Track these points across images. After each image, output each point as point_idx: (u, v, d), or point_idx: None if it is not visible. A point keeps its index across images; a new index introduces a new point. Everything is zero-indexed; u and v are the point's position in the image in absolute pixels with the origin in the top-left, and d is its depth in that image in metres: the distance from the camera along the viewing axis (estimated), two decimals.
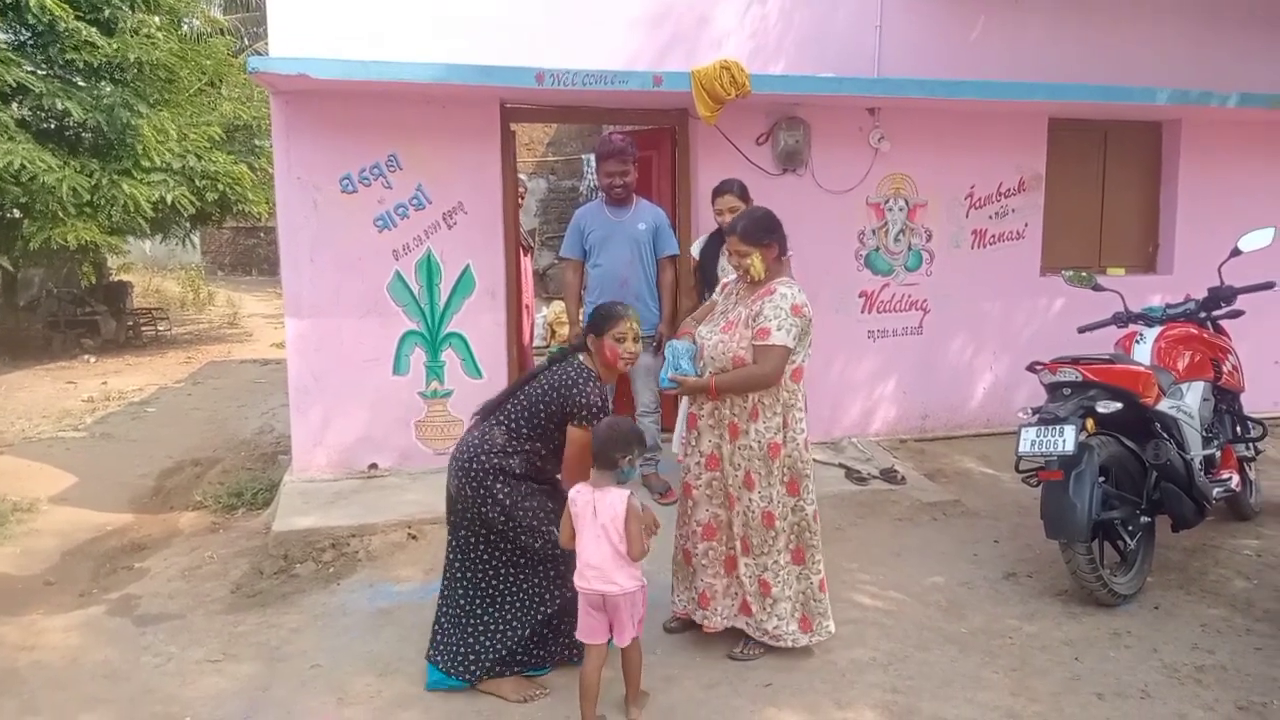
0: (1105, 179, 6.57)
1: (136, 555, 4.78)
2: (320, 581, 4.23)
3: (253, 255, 23.49)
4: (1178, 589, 4.02)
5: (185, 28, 12.80)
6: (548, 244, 12.17)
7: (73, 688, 3.35)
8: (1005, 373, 6.27)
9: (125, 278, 15.23)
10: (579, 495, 2.99)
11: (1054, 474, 3.66)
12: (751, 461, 3.30)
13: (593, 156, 9.53)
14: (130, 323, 13.18)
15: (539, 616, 3.23)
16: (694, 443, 3.43)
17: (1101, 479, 3.81)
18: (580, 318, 5.02)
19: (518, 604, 3.25)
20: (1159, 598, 3.92)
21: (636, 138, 6.30)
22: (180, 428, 7.60)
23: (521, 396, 3.24)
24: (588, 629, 2.99)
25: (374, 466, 5.38)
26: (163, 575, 4.43)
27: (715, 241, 4.71)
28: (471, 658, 3.23)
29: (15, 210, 9.75)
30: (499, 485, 3.15)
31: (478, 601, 3.26)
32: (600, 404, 3.16)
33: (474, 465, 3.17)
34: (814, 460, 5.55)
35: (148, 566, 4.58)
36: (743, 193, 4.64)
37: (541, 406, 3.18)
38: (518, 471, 3.18)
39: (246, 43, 19.45)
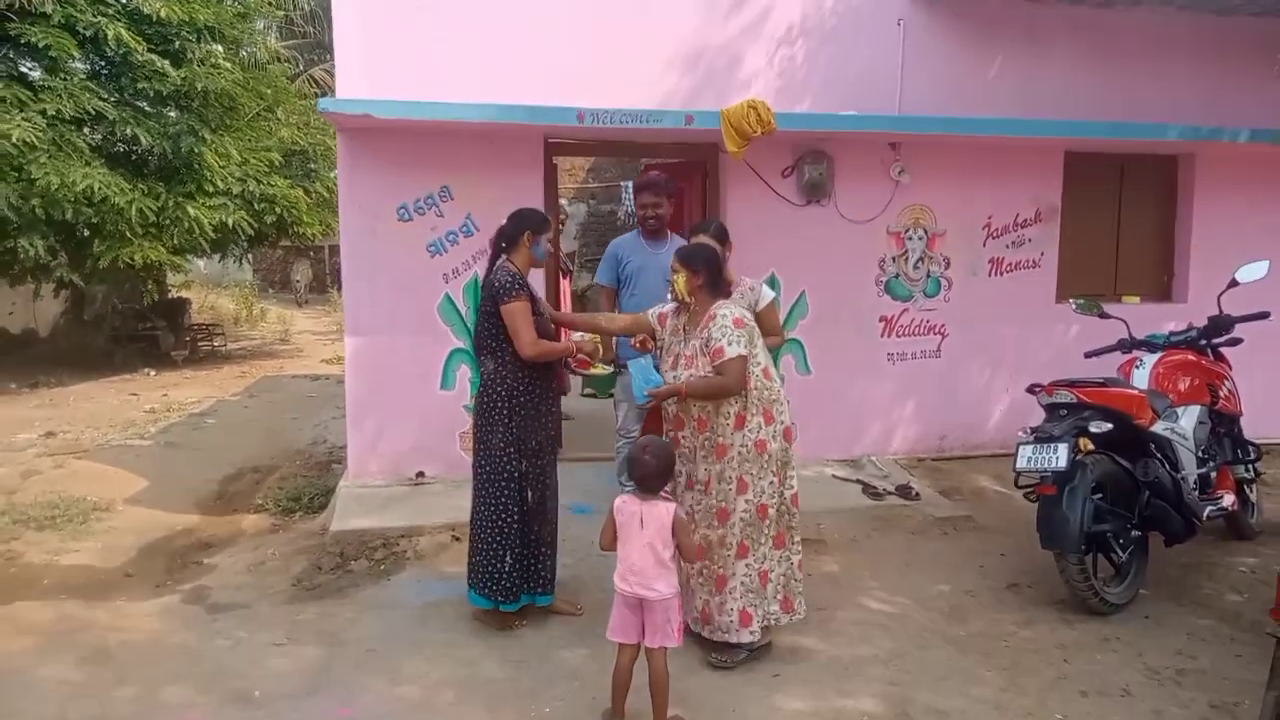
0: (1121, 210, 6.82)
1: (205, 552, 5.23)
2: (373, 577, 4.63)
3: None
4: (1170, 600, 4.27)
5: (244, 53, 13.44)
6: (586, 265, 12.60)
7: (157, 664, 3.76)
8: (1021, 395, 6.41)
9: (184, 294, 15.87)
10: (625, 505, 3.23)
11: (1048, 488, 3.95)
12: (743, 466, 3.57)
13: (630, 184, 9.88)
14: (189, 338, 13.77)
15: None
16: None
17: (1098, 495, 4.08)
18: (613, 344, 5.28)
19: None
20: (1151, 608, 4.18)
21: (669, 170, 6.70)
22: (239, 437, 8.07)
23: (480, 324, 3.92)
24: (621, 627, 3.23)
25: (421, 474, 5.79)
26: (230, 569, 4.87)
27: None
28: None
29: (85, 230, 10.34)
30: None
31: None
32: (509, 281, 3.75)
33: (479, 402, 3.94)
34: (833, 477, 5.91)
35: (216, 562, 5.02)
36: (718, 233, 4.48)
37: (489, 311, 3.81)
38: (515, 386, 3.82)
39: (302, 68, 20.28)
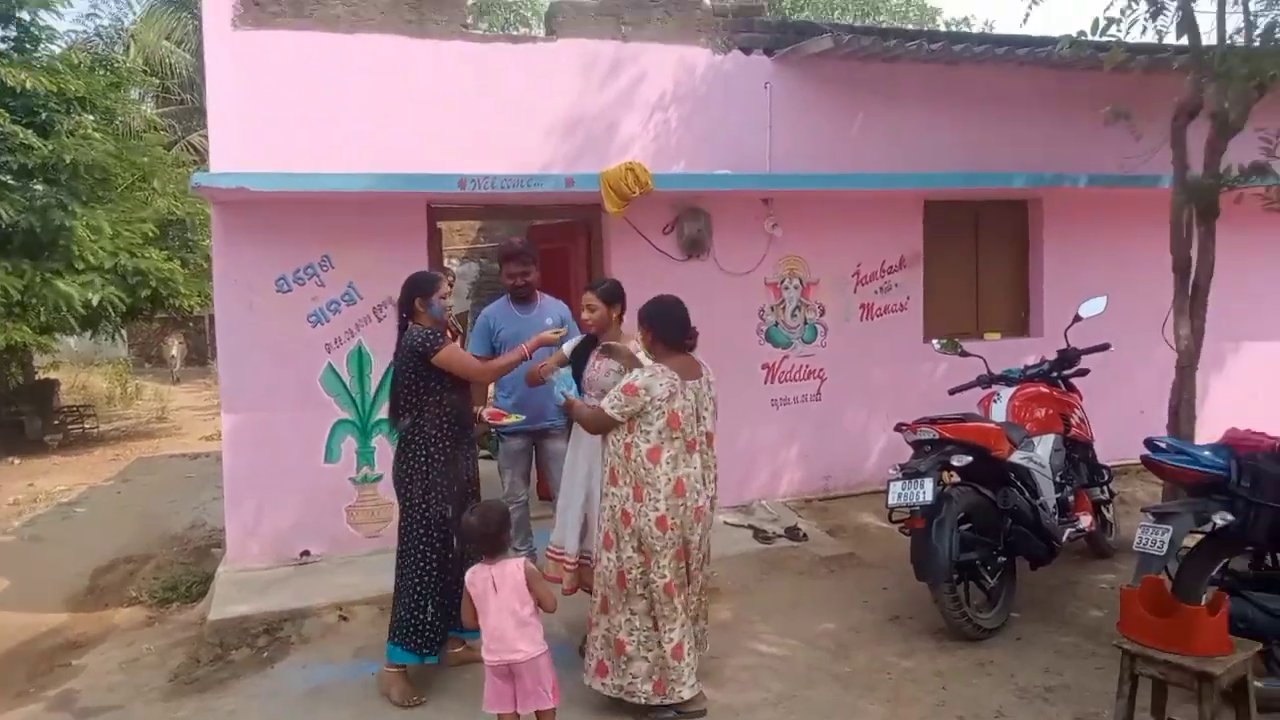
0: (979, 252, 7.29)
1: (74, 652, 4.94)
2: (255, 665, 4.44)
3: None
4: (1038, 621, 4.52)
5: (118, 122, 13.03)
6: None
7: None
8: (898, 433, 6.81)
9: (52, 375, 15.04)
10: (475, 576, 3.26)
11: (918, 522, 4.15)
12: (612, 521, 3.65)
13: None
14: (57, 421, 13.00)
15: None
16: None
17: (965, 525, 4.31)
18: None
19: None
20: (1021, 629, 4.41)
21: (553, 231, 6.82)
22: (112, 526, 7.66)
23: (397, 388, 4.03)
24: (495, 698, 3.24)
25: (306, 553, 5.62)
26: (101, 669, 4.60)
27: (588, 344, 4.30)
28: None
29: None
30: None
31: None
32: (427, 335, 3.94)
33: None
34: (725, 523, 6.01)
35: (85, 663, 4.73)
36: (606, 293, 4.19)
37: (409, 372, 3.95)
38: (433, 434, 3.95)
39: (180, 134, 19.76)
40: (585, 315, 4.11)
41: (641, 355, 3.96)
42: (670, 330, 3.79)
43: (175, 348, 19.54)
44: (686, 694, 3.60)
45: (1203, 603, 3.24)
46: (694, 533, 3.65)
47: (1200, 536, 3.60)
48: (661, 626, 3.60)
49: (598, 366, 4.11)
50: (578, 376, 4.17)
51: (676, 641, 3.60)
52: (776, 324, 6.60)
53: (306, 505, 5.60)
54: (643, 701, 3.60)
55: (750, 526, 5.91)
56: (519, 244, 5.19)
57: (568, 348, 4.28)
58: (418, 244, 5.79)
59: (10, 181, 10.57)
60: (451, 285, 7.43)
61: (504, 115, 5.93)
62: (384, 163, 5.49)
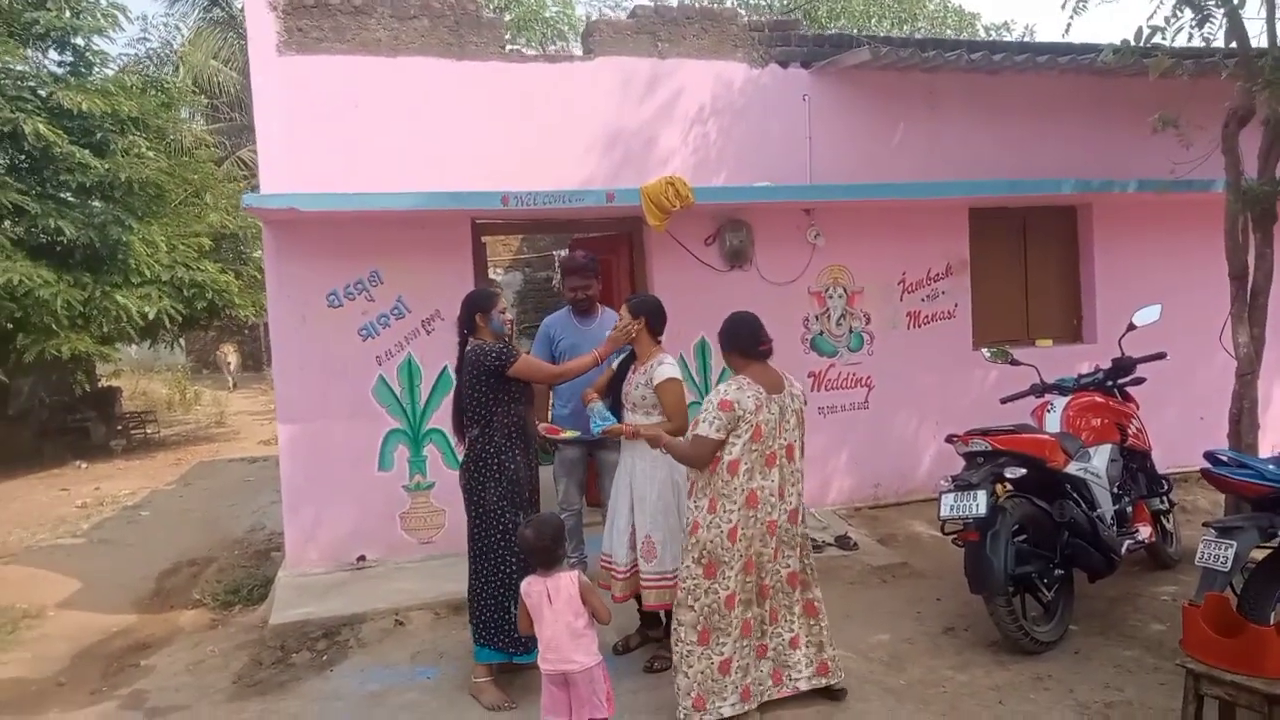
0: (1027, 259, 7.20)
1: (142, 653, 5.09)
2: (315, 669, 4.56)
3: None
4: (1098, 634, 4.44)
5: (169, 139, 13.44)
6: (525, 332, 12.70)
7: None
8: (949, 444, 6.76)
9: (114, 383, 15.53)
10: (531, 588, 3.33)
11: (972, 535, 4.11)
12: (685, 523, 3.72)
13: (564, 252, 9.91)
14: (120, 427, 13.46)
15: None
16: None
17: (1020, 537, 4.26)
18: (547, 415, 5.40)
19: None
20: (1080, 643, 4.34)
21: (596, 244, 6.88)
22: (175, 529, 7.90)
23: (465, 402, 4.14)
24: (551, 707, 3.31)
25: (363, 558, 5.74)
26: (168, 670, 4.75)
27: (628, 362, 4.35)
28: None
29: (9, 324, 10.14)
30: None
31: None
32: (499, 350, 4.07)
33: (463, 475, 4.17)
34: None
35: (153, 663, 4.89)
36: (635, 307, 4.29)
37: (480, 387, 4.07)
38: (503, 444, 4.09)
39: (229, 150, 20.28)
40: (619, 326, 4.24)
41: (666, 358, 4.13)
42: (741, 340, 3.78)
43: (231, 356, 19.94)
44: (727, 711, 3.58)
45: (1271, 621, 3.17)
46: (766, 545, 3.66)
47: (1267, 552, 3.52)
48: (711, 640, 3.60)
49: (631, 381, 4.19)
50: (618, 392, 4.28)
51: (725, 657, 3.59)
52: (822, 333, 6.59)
53: (362, 512, 5.73)
54: (682, 718, 3.60)
55: None
56: (581, 258, 5.22)
57: (616, 362, 4.36)
58: (463, 258, 5.89)
59: (71, 199, 11.02)
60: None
61: (544, 132, 6.01)
62: (429, 180, 5.60)
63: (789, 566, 3.75)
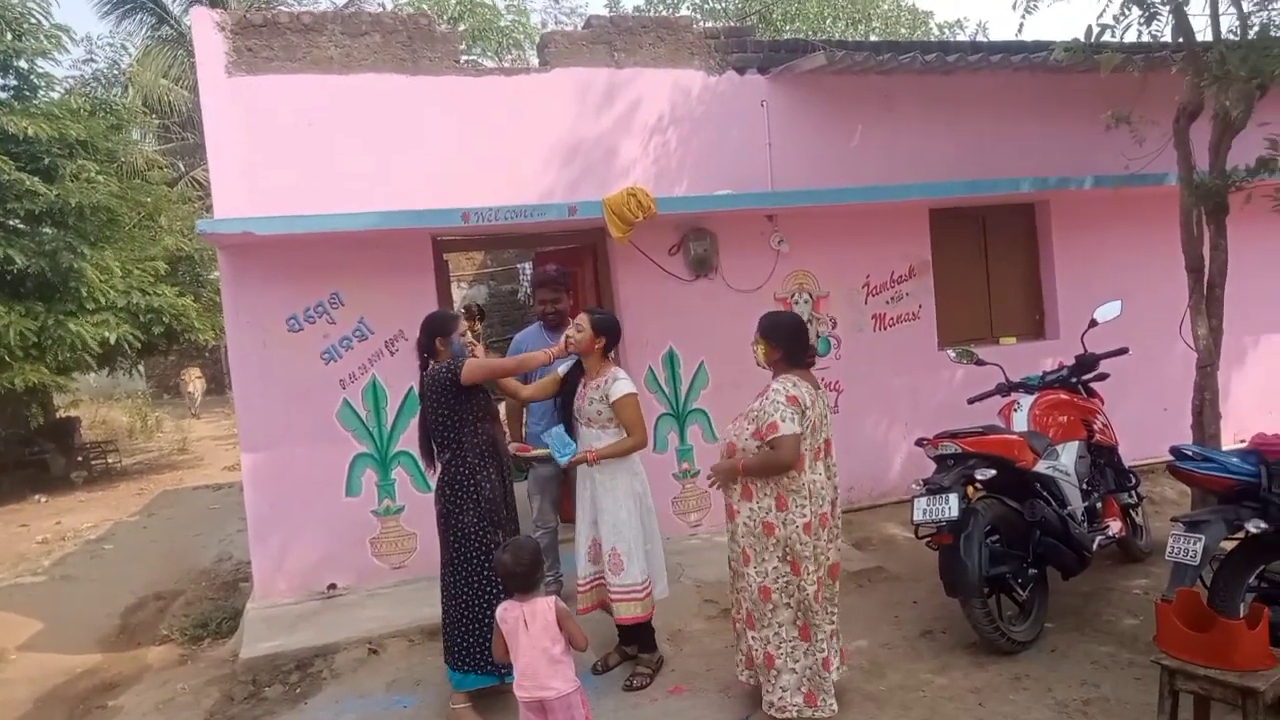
0: (988, 257, 7.27)
1: (109, 694, 4.96)
2: (289, 702, 4.46)
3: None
4: (1073, 631, 4.48)
5: (120, 162, 13.16)
6: (492, 345, 12.62)
7: None
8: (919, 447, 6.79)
9: (72, 412, 15.17)
10: (507, 613, 3.28)
11: (945, 538, 4.12)
12: (747, 539, 3.69)
13: (526, 266, 9.83)
14: (80, 458, 13.12)
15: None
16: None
17: (993, 539, 4.28)
18: (520, 432, 5.35)
19: None
20: (1056, 640, 4.37)
21: (560, 257, 6.83)
22: (139, 563, 7.72)
23: (431, 426, 4.12)
24: None
25: (333, 586, 5.63)
26: (137, 711, 4.63)
27: (577, 372, 4.33)
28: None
29: None
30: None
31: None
32: (448, 362, 4.07)
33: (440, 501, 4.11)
34: None
35: (121, 704, 4.77)
36: (598, 322, 4.23)
37: (442, 408, 4.04)
38: (476, 464, 4.04)
39: (183, 170, 19.94)
40: (572, 332, 4.18)
41: (619, 373, 4.15)
42: (797, 353, 3.80)
43: (193, 383, 19.43)
44: (834, 705, 3.64)
45: (1241, 614, 3.21)
46: (819, 538, 3.70)
47: (1233, 545, 3.56)
48: (813, 635, 3.64)
49: (583, 395, 4.19)
50: (568, 405, 4.27)
51: (826, 654, 3.66)
52: None
53: (330, 539, 5.62)
54: (794, 715, 3.61)
55: None
56: (552, 272, 5.18)
57: (563, 368, 4.33)
58: (425, 276, 5.82)
59: (20, 227, 10.73)
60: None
61: (502, 146, 5.96)
62: (386, 198, 5.52)
63: (832, 557, 3.80)
